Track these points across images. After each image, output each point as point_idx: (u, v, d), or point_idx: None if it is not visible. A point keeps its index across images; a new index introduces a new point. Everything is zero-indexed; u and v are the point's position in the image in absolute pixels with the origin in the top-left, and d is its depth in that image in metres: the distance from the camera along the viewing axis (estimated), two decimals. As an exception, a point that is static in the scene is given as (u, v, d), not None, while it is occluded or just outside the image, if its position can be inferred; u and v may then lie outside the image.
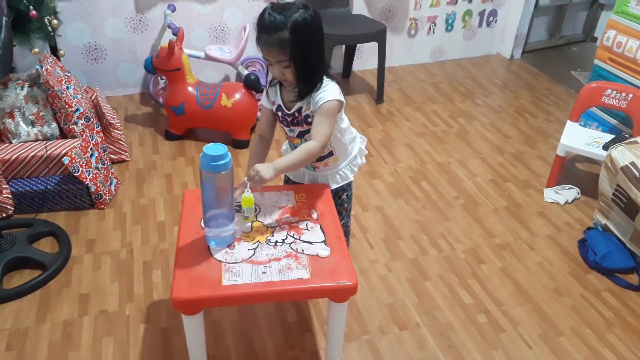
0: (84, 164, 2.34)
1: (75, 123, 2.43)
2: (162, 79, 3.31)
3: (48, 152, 2.32)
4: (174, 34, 2.92)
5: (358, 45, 3.79)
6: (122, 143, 2.78)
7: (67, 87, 2.46)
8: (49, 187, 2.35)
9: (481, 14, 4.11)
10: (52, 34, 2.59)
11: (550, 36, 4.54)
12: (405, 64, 4.10)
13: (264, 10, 1.50)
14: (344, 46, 3.77)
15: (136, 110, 3.32)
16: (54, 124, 2.48)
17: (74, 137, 2.45)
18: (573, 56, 4.38)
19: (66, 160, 2.27)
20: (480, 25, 4.17)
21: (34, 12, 2.39)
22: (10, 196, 2.31)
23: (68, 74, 2.58)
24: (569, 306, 2.05)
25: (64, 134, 2.50)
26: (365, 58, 3.92)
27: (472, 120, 3.37)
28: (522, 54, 4.29)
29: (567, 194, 2.64)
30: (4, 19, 1.95)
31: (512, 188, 2.73)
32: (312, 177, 1.81)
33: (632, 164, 2.12)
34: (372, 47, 3.68)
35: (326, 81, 1.59)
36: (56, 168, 2.36)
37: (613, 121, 2.90)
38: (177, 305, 1.40)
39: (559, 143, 2.61)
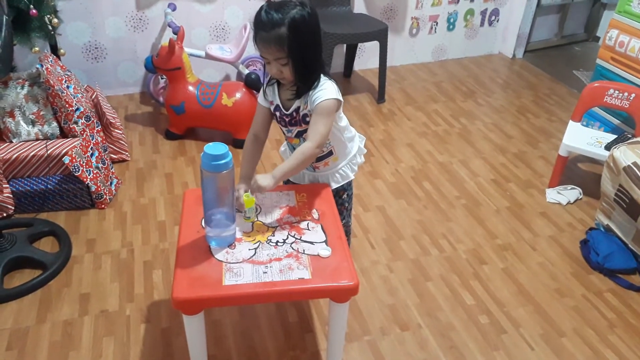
0: (84, 164, 2.33)
1: (76, 122, 2.42)
2: (162, 78, 3.31)
3: (48, 152, 2.32)
4: (175, 33, 2.91)
5: (359, 45, 3.78)
6: (123, 142, 2.78)
7: (68, 86, 2.45)
8: (49, 186, 2.34)
9: (483, 13, 4.10)
10: (52, 32, 2.58)
11: (552, 35, 4.53)
12: (406, 63, 4.09)
13: (261, 8, 1.50)
14: (345, 45, 3.76)
15: (136, 110, 3.32)
16: (55, 123, 2.47)
17: (74, 136, 2.44)
18: (575, 56, 4.37)
19: (66, 159, 2.26)
20: (482, 24, 4.16)
21: (34, 10, 2.39)
22: (11, 196, 2.30)
23: (68, 73, 2.57)
24: (571, 307, 2.04)
25: (64, 133, 2.50)
26: (367, 57, 3.91)
27: (474, 119, 3.36)
28: (524, 53, 4.28)
29: (569, 194, 2.63)
30: (5, 17, 1.95)
31: (514, 188, 2.72)
32: (312, 178, 1.80)
33: (635, 164, 2.11)
34: (373, 46, 3.67)
35: (323, 79, 1.58)
36: (56, 167, 2.35)
37: (615, 121, 2.89)
38: (178, 305, 1.39)
39: (561, 143, 2.60)
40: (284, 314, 1.96)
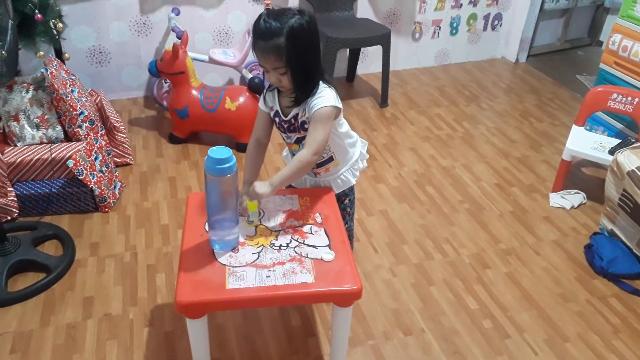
0: (88, 167, 2.34)
1: (80, 126, 2.43)
2: (166, 83, 3.32)
3: (52, 155, 2.33)
4: (178, 38, 2.92)
5: (362, 49, 3.79)
6: (126, 146, 2.79)
7: (72, 91, 2.46)
8: (53, 190, 2.35)
9: (486, 17, 4.11)
10: (57, 37, 2.59)
11: (555, 40, 4.53)
12: (409, 67, 4.09)
13: (260, 16, 1.50)
14: (348, 50, 3.77)
15: (140, 114, 3.33)
16: (59, 127, 2.48)
17: (78, 140, 2.45)
18: (578, 60, 4.37)
19: (70, 163, 2.27)
20: (485, 28, 4.16)
21: (39, 15, 2.40)
22: (15, 199, 2.31)
23: (73, 77, 2.58)
24: (575, 312, 2.03)
25: (68, 137, 2.51)
26: (370, 62, 3.91)
27: (477, 124, 3.36)
28: (527, 57, 4.28)
29: (573, 198, 2.63)
30: (10, 22, 1.96)
31: (517, 192, 2.71)
32: (314, 183, 1.81)
33: (639, 168, 2.11)
34: (376, 50, 3.67)
35: (322, 86, 1.58)
36: (60, 171, 2.36)
37: (619, 125, 2.88)
38: (181, 309, 1.40)
39: (564, 147, 2.59)
40: (287, 317, 1.96)
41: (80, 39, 3.22)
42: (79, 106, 2.43)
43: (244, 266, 1.48)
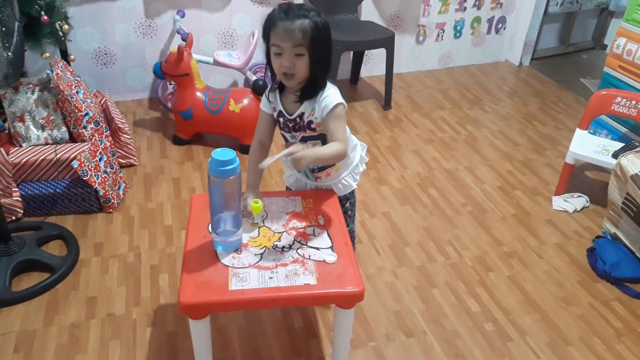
0: (92, 168, 2.35)
1: (85, 127, 2.45)
2: (170, 84, 3.33)
3: (57, 156, 2.34)
4: (183, 40, 2.93)
5: (366, 52, 3.79)
6: (131, 147, 2.80)
7: (77, 92, 2.48)
8: (58, 190, 2.36)
9: (490, 20, 4.11)
10: (62, 38, 2.61)
11: (559, 43, 4.52)
12: (413, 70, 4.10)
13: (278, 6, 1.51)
14: (352, 52, 3.77)
15: (145, 115, 3.34)
16: (64, 128, 2.50)
17: (83, 141, 2.46)
18: (582, 63, 4.36)
19: (75, 164, 2.28)
20: (489, 32, 4.16)
21: (45, 17, 2.41)
22: (20, 199, 2.32)
23: (78, 79, 2.60)
24: (578, 315, 2.03)
25: (73, 138, 2.52)
26: (373, 64, 3.92)
27: (481, 127, 3.36)
28: (531, 61, 4.28)
29: (576, 202, 2.63)
30: (16, 24, 1.97)
31: (520, 196, 2.71)
32: (315, 187, 1.81)
33: (642, 172, 2.10)
34: (380, 53, 3.68)
35: (329, 85, 1.59)
36: (65, 172, 2.38)
37: (623, 129, 2.88)
38: (184, 310, 1.40)
39: (568, 151, 2.59)
40: (289, 319, 1.96)
41: (85, 41, 3.24)
42: (84, 107, 2.44)
43: (246, 267, 1.48)
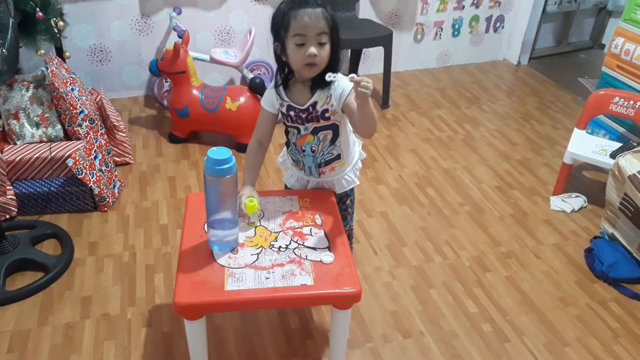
0: (87, 166, 2.33)
1: (80, 125, 2.43)
2: (166, 82, 3.31)
3: (52, 154, 2.32)
4: (180, 37, 2.91)
5: (364, 50, 3.78)
6: (126, 145, 2.78)
7: (72, 89, 2.46)
8: (52, 189, 2.34)
9: (488, 19, 4.10)
10: (58, 35, 2.59)
11: (557, 43, 4.52)
12: (411, 69, 4.08)
13: (281, 2, 1.51)
14: (349, 50, 3.76)
15: (140, 113, 3.32)
16: (59, 126, 2.47)
17: (78, 139, 2.44)
18: (580, 63, 4.36)
19: (70, 162, 2.26)
20: (487, 30, 4.15)
21: (40, 14, 2.39)
22: (14, 197, 2.30)
23: (73, 76, 2.58)
24: (575, 316, 2.02)
25: (68, 136, 2.50)
26: (371, 63, 3.91)
27: (478, 126, 3.35)
28: (529, 60, 4.27)
29: (573, 202, 2.62)
30: (11, 20, 1.95)
31: (518, 195, 2.70)
32: (316, 184, 1.79)
33: (640, 172, 2.10)
34: (378, 51, 3.67)
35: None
36: (60, 170, 2.36)
37: (621, 129, 2.88)
38: (180, 310, 1.39)
39: (565, 150, 2.59)
40: (286, 319, 1.95)
41: (81, 38, 3.21)
42: (79, 105, 2.42)
43: (242, 267, 1.47)
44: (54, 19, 2.53)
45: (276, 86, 1.65)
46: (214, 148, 1.40)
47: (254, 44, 3.17)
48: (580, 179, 2.87)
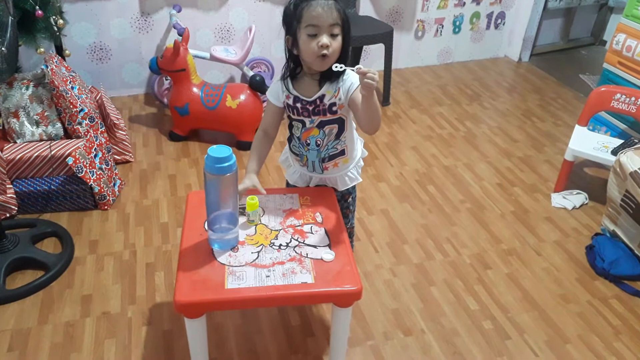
0: (87, 165, 2.33)
1: (80, 123, 2.42)
2: (166, 80, 3.31)
3: (52, 153, 2.32)
4: (180, 35, 2.91)
5: (364, 47, 3.77)
6: (126, 144, 2.78)
7: (72, 87, 2.45)
8: (52, 187, 2.34)
9: (489, 16, 4.09)
10: (57, 33, 2.58)
11: (558, 39, 4.50)
12: (411, 66, 4.08)
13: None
14: (350, 47, 3.75)
15: (140, 111, 3.32)
16: (59, 124, 2.47)
17: (78, 137, 2.44)
18: (582, 59, 4.35)
19: (70, 160, 2.26)
20: (488, 27, 4.14)
21: (40, 12, 2.39)
22: (14, 196, 2.30)
23: (73, 74, 2.57)
24: (576, 313, 2.02)
25: (68, 134, 2.50)
26: (372, 60, 3.90)
27: (479, 123, 3.34)
28: (530, 56, 4.26)
29: (574, 199, 2.61)
30: (10, 18, 1.95)
31: (519, 192, 2.70)
32: (319, 181, 1.78)
33: (642, 169, 2.09)
34: (378, 48, 3.66)
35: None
36: (60, 168, 2.35)
37: (622, 126, 2.87)
38: (180, 309, 1.39)
39: (567, 147, 2.58)
40: (286, 317, 1.95)
41: (81, 36, 3.21)
42: (79, 103, 2.42)
43: (243, 266, 1.47)
44: (54, 17, 2.52)
45: (283, 78, 1.64)
46: (214, 146, 1.40)
47: (254, 41, 3.17)
48: (581, 175, 2.86)
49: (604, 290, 2.13)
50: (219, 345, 1.83)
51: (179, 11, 3.20)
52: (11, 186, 2.30)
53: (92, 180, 2.33)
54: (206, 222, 1.54)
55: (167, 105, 3.26)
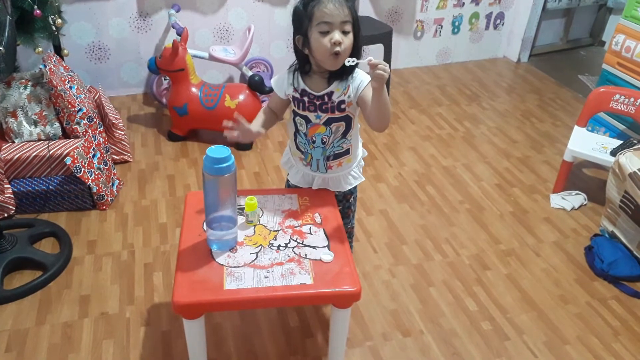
0: (86, 165, 2.32)
1: (78, 123, 2.42)
2: (165, 80, 3.30)
3: (50, 152, 2.31)
4: (178, 34, 2.90)
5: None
6: (125, 143, 2.77)
7: (71, 87, 2.45)
8: (50, 187, 2.33)
9: (488, 16, 4.09)
10: (56, 33, 2.57)
11: (557, 40, 4.51)
12: (411, 66, 4.07)
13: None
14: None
15: (139, 111, 3.31)
16: (57, 124, 2.46)
17: (76, 137, 2.43)
18: (581, 60, 4.35)
19: (68, 160, 2.25)
20: (487, 27, 4.14)
21: (38, 11, 2.38)
22: (12, 196, 2.30)
23: (71, 74, 2.57)
24: (575, 314, 2.02)
25: (66, 134, 2.49)
26: (371, 60, 3.89)
27: (478, 123, 3.34)
28: (529, 57, 4.26)
29: (573, 199, 2.61)
30: (8, 18, 1.94)
31: (518, 193, 2.70)
32: (322, 181, 1.77)
33: (641, 170, 2.09)
34: (377, 49, 3.65)
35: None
36: (58, 168, 2.35)
37: (621, 126, 2.87)
38: (178, 310, 1.38)
39: (566, 148, 2.58)
40: (285, 318, 1.94)
41: (79, 35, 3.20)
42: (77, 103, 2.41)
43: (242, 266, 1.46)
44: (52, 16, 2.51)
45: (292, 70, 1.62)
46: (213, 146, 1.40)
47: (253, 41, 3.16)
48: (580, 176, 2.86)
49: (602, 291, 2.13)
50: (218, 346, 1.82)
51: (177, 11, 3.19)
52: (9, 186, 2.29)
53: (90, 180, 2.32)
54: (205, 223, 1.54)
55: (166, 105, 3.25)
